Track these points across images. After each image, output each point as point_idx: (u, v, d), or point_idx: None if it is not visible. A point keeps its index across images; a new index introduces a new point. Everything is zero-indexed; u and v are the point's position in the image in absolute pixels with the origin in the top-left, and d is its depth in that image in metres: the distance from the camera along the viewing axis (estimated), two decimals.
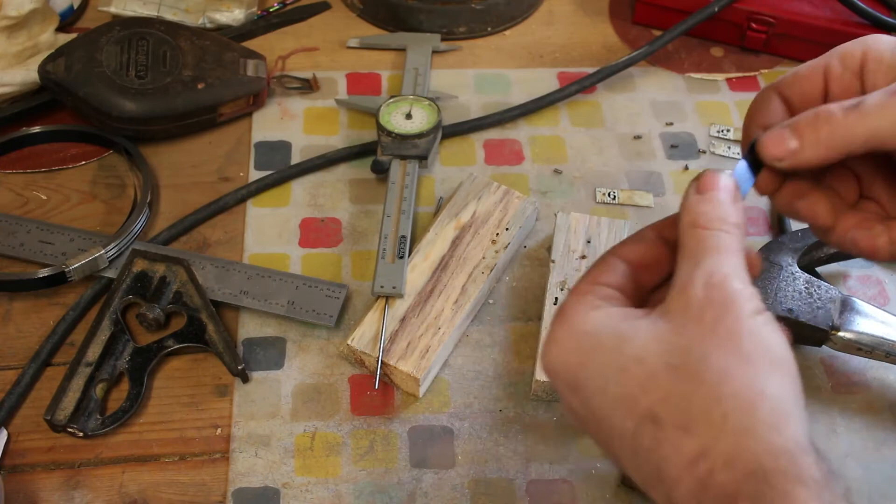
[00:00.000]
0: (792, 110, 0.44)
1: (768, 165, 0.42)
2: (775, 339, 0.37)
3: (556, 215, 0.67)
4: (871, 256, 0.43)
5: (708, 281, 0.37)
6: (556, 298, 0.62)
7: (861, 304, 0.61)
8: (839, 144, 0.40)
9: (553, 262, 0.64)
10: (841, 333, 0.60)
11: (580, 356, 0.38)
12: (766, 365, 0.35)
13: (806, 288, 0.61)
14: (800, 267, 0.63)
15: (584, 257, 0.64)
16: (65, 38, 0.78)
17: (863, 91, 0.42)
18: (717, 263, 0.38)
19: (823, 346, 0.61)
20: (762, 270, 0.61)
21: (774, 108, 0.44)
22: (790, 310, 0.60)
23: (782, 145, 0.41)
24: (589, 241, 0.65)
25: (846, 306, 0.61)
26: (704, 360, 0.36)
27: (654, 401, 0.36)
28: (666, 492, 0.36)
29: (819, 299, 0.61)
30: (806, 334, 0.60)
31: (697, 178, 0.41)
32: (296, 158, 0.74)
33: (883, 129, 0.39)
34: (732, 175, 0.41)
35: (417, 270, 0.64)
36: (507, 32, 0.86)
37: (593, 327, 0.39)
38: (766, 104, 0.44)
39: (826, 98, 0.43)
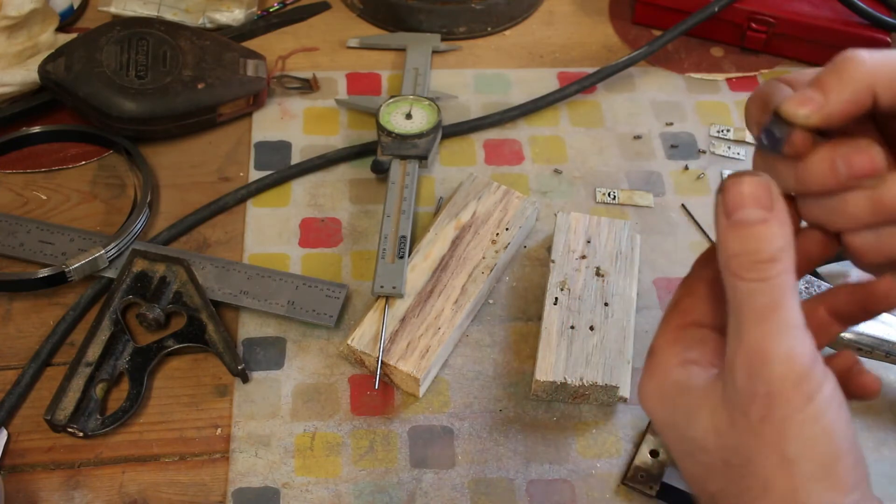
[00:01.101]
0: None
1: (799, 126, 0.36)
2: (827, 434, 0.34)
3: (556, 215, 0.67)
4: None
5: (750, 367, 0.34)
6: (556, 298, 0.62)
7: None
8: (866, 83, 0.36)
9: (553, 262, 0.64)
10: (841, 333, 0.60)
11: (672, 403, 0.38)
12: (810, 471, 0.34)
13: (806, 288, 0.61)
14: None
15: (583, 257, 0.64)
16: (65, 38, 0.78)
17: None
18: (760, 337, 0.34)
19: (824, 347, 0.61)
20: None
21: (783, 88, 0.40)
22: None
23: (809, 101, 0.36)
24: (589, 241, 0.65)
25: None
26: (749, 464, 0.35)
27: (716, 490, 0.36)
28: None
29: None
30: None
31: (722, 190, 0.35)
32: (296, 158, 0.74)
33: None
34: (761, 174, 0.36)
35: (417, 270, 0.64)
36: (507, 32, 0.86)
37: (676, 385, 0.38)
38: (775, 86, 0.40)
39: None
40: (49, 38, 0.77)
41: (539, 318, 0.63)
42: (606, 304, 0.62)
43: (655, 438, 0.58)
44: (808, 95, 0.36)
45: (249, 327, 0.63)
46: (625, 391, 0.59)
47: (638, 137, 0.77)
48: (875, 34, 0.80)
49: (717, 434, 0.36)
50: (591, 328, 0.60)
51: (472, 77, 0.81)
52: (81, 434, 0.57)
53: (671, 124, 0.78)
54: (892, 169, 0.37)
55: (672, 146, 0.76)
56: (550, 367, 0.58)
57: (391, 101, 0.74)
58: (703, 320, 0.39)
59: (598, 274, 0.63)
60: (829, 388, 0.35)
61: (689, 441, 0.37)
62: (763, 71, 0.83)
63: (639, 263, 0.66)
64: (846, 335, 0.60)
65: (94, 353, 0.59)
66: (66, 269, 0.62)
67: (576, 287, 0.63)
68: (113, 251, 0.64)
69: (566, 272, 0.64)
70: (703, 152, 0.76)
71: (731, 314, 0.36)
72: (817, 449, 0.34)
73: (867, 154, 0.36)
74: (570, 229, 0.66)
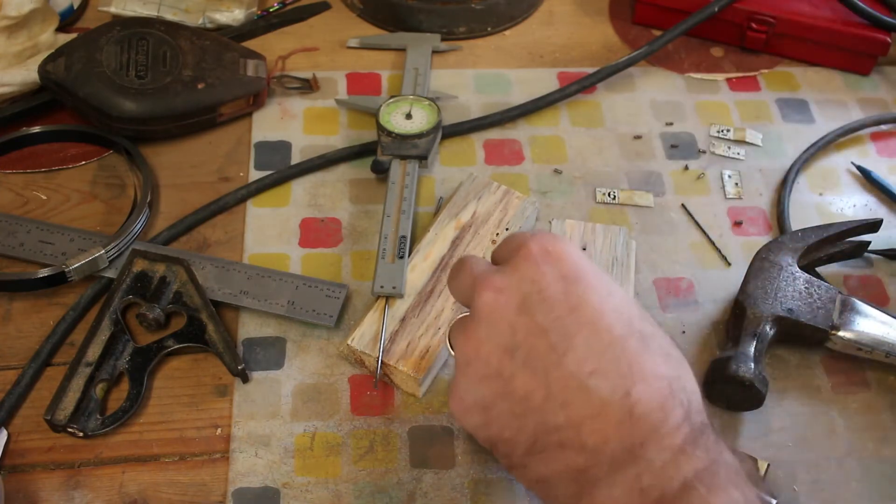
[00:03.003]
0: None
1: None
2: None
3: (549, 223, 0.67)
4: None
5: None
6: None
7: (861, 305, 0.61)
8: None
9: None
10: (841, 333, 0.60)
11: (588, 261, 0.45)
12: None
13: (806, 288, 0.61)
14: (800, 267, 0.63)
15: None
16: (65, 38, 0.78)
17: None
18: None
19: (824, 346, 0.61)
20: (762, 270, 0.62)
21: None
22: (790, 310, 0.60)
23: None
24: (584, 249, 0.65)
25: (846, 306, 0.61)
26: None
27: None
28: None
29: (819, 299, 0.61)
30: (806, 334, 0.61)
31: None
32: (296, 158, 0.74)
33: None
34: None
35: (417, 270, 0.64)
36: (507, 32, 0.86)
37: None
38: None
39: None
40: (49, 38, 0.77)
41: None
42: None
43: None
44: None
45: (249, 327, 0.63)
46: None
47: (638, 137, 0.77)
48: (875, 34, 0.80)
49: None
50: None
51: (472, 77, 0.81)
52: (81, 434, 0.57)
53: (671, 124, 0.78)
54: None
55: (672, 146, 0.76)
56: None
57: (391, 101, 0.74)
58: None
59: None
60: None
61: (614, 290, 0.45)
62: (763, 71, 0.83)
63: (635, 268, 0.66)
64: (846, 335, 0.60)
65: (94, 353, 0.59)
66: (66, 269, 0.62)
67: None
68: (113, 251, 0.64)
69: None
70: (703, 152, 0.76)
71: None
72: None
73: None
74: (565, 237, 0.66)
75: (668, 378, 0.41)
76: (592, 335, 0.41)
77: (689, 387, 0.42)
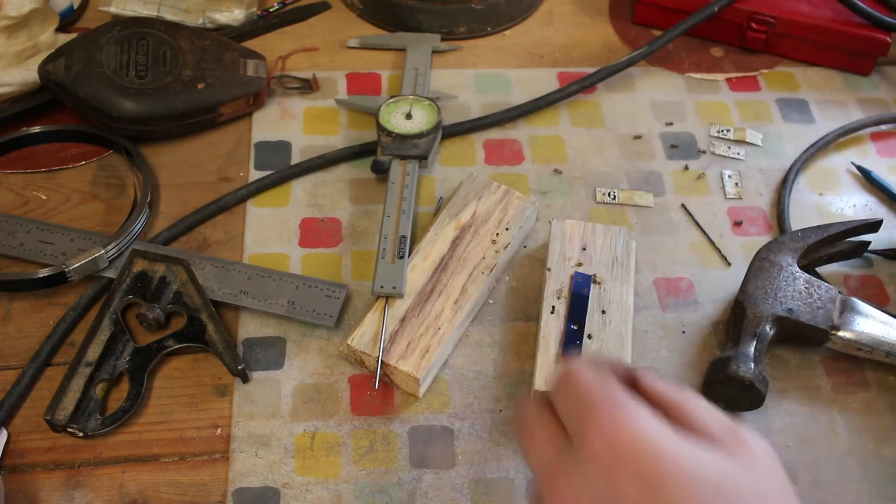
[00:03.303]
0: None
1: None
2: None
3: (550, 223, 0.67)
4: None
5: None
6: (553, 308, 0.61)
7: (861, 305, 0.61)
8: None
9: (549, 269, 0.64)
10: (841, 333, 0.60)
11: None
12: None
13: (806, 288, 0.61)
14: (800, 267, 0.63)
15: (579, 265, 0.64)
16: (65, 38, 0.78)
17: None
18: None
19: (824, 346, 0.61)
20: (762, 270, 0.62)
21: None
22: (790, 310, 0.60)
23: None
24: (584, 249, 0.65)
25: (846, 306, 0.61)
26: None
27: None
28: None
29: (819, 299, 0.61)
30: (806, 334, 0.61)
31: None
32: (296, 158, 0.74)
33: None
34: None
35: (417, 270, 0.64)
36: (507, 32, 0.86)
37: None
38: None
39: None
40: (49, 38, 0.77)
41: (539, 318, 0.63)
42: (604, 312, 0.61)
43: None
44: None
45: (249, 327, 0.63)
46: None
47: (638, 137, 0.77)
48: (875, 34, 0.80)
49: None
50: (590, 336, 0.60)
51: (472, 77, 0.81)
52: (81, 434, 0.57)
53: (671, 124, 0.78)
54: None
55: (672, 146, 0.76)
56: (549, 377, 0.58)
57: (391, 101, 0.74)
58: None
59: (594, 281, 0.63)
60: None
61: None
62: (763, 71, 0.83)
63: (635, 267, 0.66)
64: (846, 335, 0.60)
65: (94, 353, 0.59)
66: (66, 269, 0.62)
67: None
68: (113, 251, 0.64)
69: (562, 280, 0.63)
70: (703, 152, 0.76)
71: None
72: None
73: None
74: (564, 237, 0.65)
75: None
76: None
77: None
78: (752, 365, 0.57)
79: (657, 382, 0.38)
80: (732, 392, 0.58)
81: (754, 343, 0.59)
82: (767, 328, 0.60)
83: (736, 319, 0.61)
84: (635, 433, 0.34)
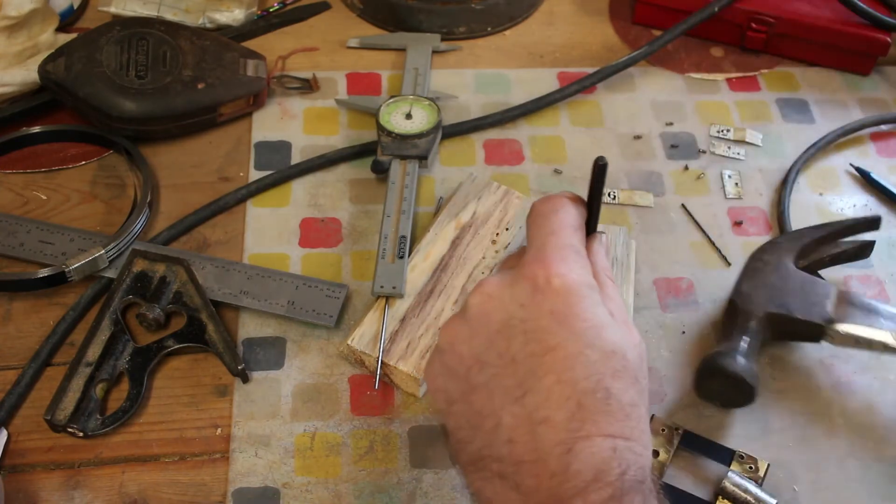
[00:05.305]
0: None
1: None
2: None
3: None
4: None
5: None
6: None
7: (858, 298, 0.61)
8: None
9: None
10: (838, 326, 0.59)
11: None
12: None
13: (801, 285, 0.61)
14: (802, 269, 0.63)
15: None
16: (65, 38, 0.78)
17: None
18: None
19: (822, 343, 0.61)
20: (756, 270, 0.61)
21: None
22: (783, 305, 0.60)
23: None
24: None
25: (842, 300, 0.60)
26: (539, 330, 0.44)
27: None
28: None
29: (814, 295, 0.60)
30: (801, 330, 0.60)
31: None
32: (296, 158, 0.74)
33: None
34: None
35: (417, 270, 0.64)
36: (507, 32, 0.86)
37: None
38: None
39: None
40: (49, 38, 0.77)
41: None
42: None
43: (655, 439, 0.58)
44: None
45: (249, 327, 0.63)
46: None
47: (638, 137, 0.77)
48: (875, 34, 0.80)
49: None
50: None
51: (472, 77, 0.81)
52: (81, 434, 0.57)
53: (671, 124, 0.78)
54: None
55: (672, 146, 0.76)
56: None
57: (391, 101, 0.74)
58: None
59: None
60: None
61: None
62: (763, 71, 0.83)
63: (635, 267, 0.66)
64: (843, 328, 0.59)
65: (94, 353, 0.59)
66: (66, 269, 0.62)
67: None
68: (113, 251, 0.64)
69: None
70: (703, 152, 0.76)
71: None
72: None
73: None
74: None
75: (617, 439, 0.40)
76: (556, 384, 0.41)
77: (638, 449, 0.41)
78: (741, 358, 0.57)
79: (599, 253, 0.47)
80: (723, 388, 0.58)
81: (744, 338, 0.58)
82: (758, 324, 0.59)
83: (728, 318, 0.61)
84: (567, 283, 0.43)
